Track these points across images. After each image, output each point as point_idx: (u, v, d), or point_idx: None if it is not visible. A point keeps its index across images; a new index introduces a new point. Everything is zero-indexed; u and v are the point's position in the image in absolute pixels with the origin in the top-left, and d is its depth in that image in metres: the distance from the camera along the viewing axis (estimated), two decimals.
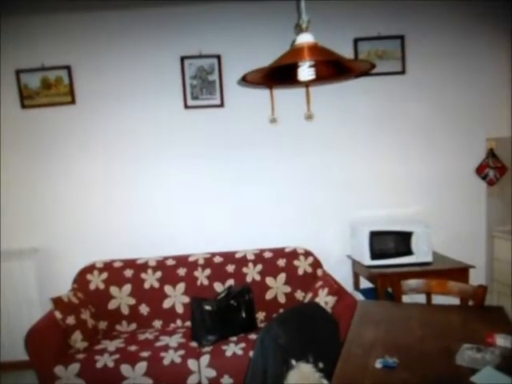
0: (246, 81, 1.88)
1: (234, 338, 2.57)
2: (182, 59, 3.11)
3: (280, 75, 1.94)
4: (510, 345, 1.57)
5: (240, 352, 2.43)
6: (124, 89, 3.16)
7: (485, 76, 3.21)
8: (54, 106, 3.13)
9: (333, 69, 1.92)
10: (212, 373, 2.39)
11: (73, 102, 3.14)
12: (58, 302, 2.61)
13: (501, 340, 1.59)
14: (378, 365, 1.50)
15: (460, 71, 3.21)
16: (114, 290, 2.92)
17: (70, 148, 3.20)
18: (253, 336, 2.57)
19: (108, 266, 2.99)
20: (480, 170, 3.18)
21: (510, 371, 1.40)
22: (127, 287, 2.93)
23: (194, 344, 2.55)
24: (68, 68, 3.09)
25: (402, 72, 3.17)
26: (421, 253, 2.90)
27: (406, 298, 2.30)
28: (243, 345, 2.48)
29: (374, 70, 1.86)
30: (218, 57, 3.12)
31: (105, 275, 2.95)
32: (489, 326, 1.74)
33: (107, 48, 3.13)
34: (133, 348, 2.51)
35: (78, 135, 3.19)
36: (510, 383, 1.34)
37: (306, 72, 1.86)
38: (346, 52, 3.08)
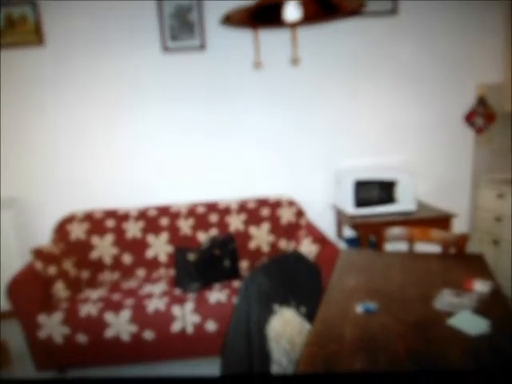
0: (228, 21, 1.75)
1: (218, 285, 2.60)
2: None
3: (265, 15, 1.82)
4: (487, 290, 1.60)
5: (224, 298, 2.46)
6: (97, 29, 2.94)
7: (479, 21, 3.07)
8: (20, 47, 2.92)
9: (320, 8, 1.80)
10: (197, 318, 2.42)
11: (41, 42, 2.92)
12: (38, 252, 2.57)
13: (479, 285, 1.62)
14: (359, 309, 1.52)
15: (454, 14, 3.06)
16: (95, 239, 2.89)
17: (42, 94, 3.01)
18: (236, 283, 2.59)
19: (88, 217, 2.94)
20: (469, 118, 3.13)
21: (485, 315, 1.43)
22: (109, 237, 2.89)
23: (177, 291, 2.57)
24: (32, 3, 2.84)
25: (393, 12, 3.01)
26: (405, 201, 2.90)
27: (388, 247, 2.33)
28: (227, 291, 2.51)
29: (363, 8, 1.75)
30: None
31: (86, 225, 2.90)
32: (468, 272, 1.77)
33: None
34: (116, 296, 2.52)
35: (50, 80, 2.99)
36: (484, 324, 1.37)
37: (292, 11, 1.75)
38: None
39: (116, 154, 3.13)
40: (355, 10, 1.82)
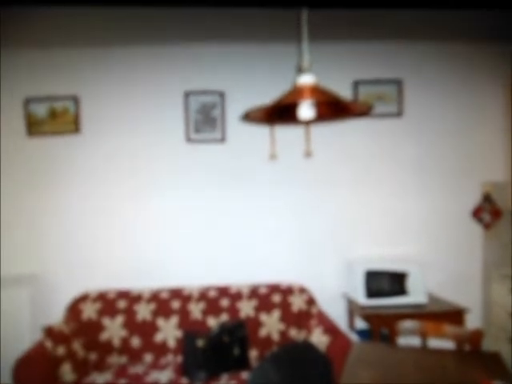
0: (248, 118, 1.94)
1: (226, 376, 2.52)
2: (188, 94, 3.20)
3: (281, 113, 2.00)
4: None
5: None
6: (128, 120, 3.23)
7: (482, 121, 3.31)
8: (59, 135, 3.19)
9: (332, 109, 1.99)
10: None
11: (77, 130, 3.20)
12: (48, 331, 2.57)
13: None
14: None
15: (457, 115, 3.31)
16: (106, 320, 2.88)
17: (70, 176, 3.22)
18: (245, 374, 2.52)
19: (101, 296, 2.96)
20: (476, 213, 3.23)
21: None
22: (119, 318, 2.89)
23: (184, 380, 2.49)
24: (75, 98, 3.18)
25: (399, 114, 3.27)
26: (416, 293, 2.90)
27: (401, 340, 2.29)
28: (234, 383, 2.43)
29: (371, 111, 1.93)
30: (222, 93, 3.22)
31: (98, 305, 2.92)
32: (485, 372, 1.72)
33: (114, 81, 3.22)
34: (122, 382, 2.46)
35: (80, 163, 3.22)
36: None
37: (306, 111, 1.94)
38: (346, 94, 3.19)
39: (134, 234, 3.24)
40: (364, 112, 2.01)
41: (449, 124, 3.31)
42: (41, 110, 3.18)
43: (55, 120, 3.18)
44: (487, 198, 3.18)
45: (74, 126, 3.19)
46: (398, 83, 3.26)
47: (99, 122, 3.23)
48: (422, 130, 3.30)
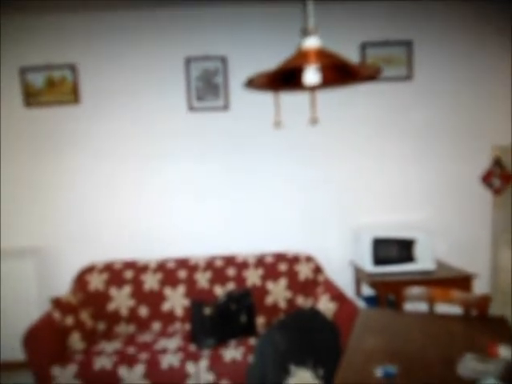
0: (251, 84, 1.87)
1: (234, 342, 2.55)
2: (188, 60, 3.11)
3: (285, 79, 1.93)
4: None
5: (239, 356, 2.41)
6: (128, 89, 3.15)
7: (493, 83, 3.19)
8: (57, 105, 3.13)
9: (339, 74, 1.91)
10: (211, 377, 2.37)
11: (76, 101, 3.14)
12: (56, 302, 2.60)
13: (503, 351, 1.56)
14: (379, 373, 1.48)
15: (467, 78, 3.19)
16: (113, 291, 2.91)
17: (72, 147, 3.18)
18: (252, 340, 2.54)
19: (108, 267, 2.98)
20: (485, 178, 3.15)
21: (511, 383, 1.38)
22: (127, 288, 2.91)
23: (192, 347, 2.53)
24: (73, 67, 3.10)
25: (409, 77, 3.16)
26: (424, 260, 2.88)
27: (408, 306, 2.28)
28: (242, 349, 2.46)
29: (380, 75, 1.85)
30: (224, 59, 3.11)
31: (105, 276, 2.94)
32: (492, 336, 1.71)
33: (112, 48, 3.12)
34: (131, 350, 2.49)
35: (82, 134, 3.17)
36: None
37: (311, 76, 1.86)
38: (353, 57, 3.07)
39: (138, 205, 3.23)
40: (372, 76, 1.92)
41: (459, 86, 3.20)
42: (38, 80, 3.10)
43: (53, 89, 3.11)
44: (497, 163, 3.10)
45: (73, 96, 3.13)
46: (407, 45, 3.13)
47: (98, 92, 3.15)
48: (432, 93, 3.19)
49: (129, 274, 2.95)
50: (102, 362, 2.39)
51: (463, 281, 2.73)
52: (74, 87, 3.12)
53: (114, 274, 2.95)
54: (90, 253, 3.16)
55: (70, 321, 2.56)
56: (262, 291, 2.91)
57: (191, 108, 3.16)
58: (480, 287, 3.10)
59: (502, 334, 1.74)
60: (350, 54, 3.03)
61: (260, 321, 2.87)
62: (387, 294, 2.75)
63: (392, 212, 3.24)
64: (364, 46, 3.12)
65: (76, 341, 2.54)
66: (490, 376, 1.42)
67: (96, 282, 2.92)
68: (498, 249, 3.15)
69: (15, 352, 2.94)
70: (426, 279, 2.74)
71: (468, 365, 1.49)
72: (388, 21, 3.14)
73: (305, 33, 1.78)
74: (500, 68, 3.18)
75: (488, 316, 2.03)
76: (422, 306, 2.29)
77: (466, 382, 1.40)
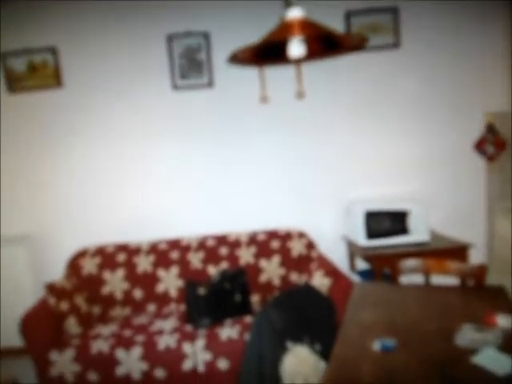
0: (235, 59, 1.79)
1: (229, 321, 2.55)
2: (170, 38, 2.99)
3: (270, 52, 1.86)
4: (511, 325, 1.54)
5: (235, 335, 2.41)
6: (111, 70, 3.06)
7: (483, 50, 3.11)
8: (40, 90, 3.04)
9: (324, 45, 1.85)
10: (208, 356, 2.37)
11: (59, 84, 3.05)
12: (51, 287, 2.58)
13: (501, 320, 1.55)
14: (376, 346, 1.47)
15: (456, 45, 3.11)
16: (106, 274, 2.88)
17: (57, 132, 3.12)
18: (248, 319, 2.54)
19: (100, 251, 2.95)
20: (479, 146, 3.11)
21: (511, 352, 1.37)
22: (120, 272, 2.89)
23: (188, 327, 2.52)
24: (53, 49, 2.99)
25: (396, 45, 3.07)
26: (418, 232, 2.86)
27: (403, 279, 2.27)
28: (238, 327, 2.46)
29: (366, 44, 1.78)
30: (206, 34, 3.00)
31: (97, 260, 2.91)
32: (489, 306, 1.70)
33: (92, 28, 3.02)
34: (127, 333, 2.49)
35: (65, 119, 3.10)
36: (511, 362, 1.31)
37: (296, 48, 1.79)
38: (338, 27, 2.98)
39: (127, 188, 3.18)
40: (358, 46, 1.86)
41: (448, 54, 3.12)
42: (19, 65, 3.02)
43: (35, 74, 3.02)
44: (491, 129, 3.06)
45: (56, 80, 3.05)
46: (393, 11, 3.03)
47: (81, 74, 3.08)
48: (421, 61, 3.11)
49: (121, 257, 2.92)
50: (98, 346, 2.38)
51: (459, 251, 2.72)
52: (55, 70, 3.03)
53: (107, 257, 2.92)
54: (82, 237, 3.14)
55: (65, 306, 2.54)
56: (256, 269, 2.90)
57: (175, 87, 3.06)
58: (476, 257, 3.10)
59: (500, 303, 1.73)
60: (335, 24, 2.95)
61: (255, 299, 2.86)
62: (382, 267, 2.74)
63: (384, 184, 3.21)
64: (349, 15, 3.03)
65: (72, 325, 2.52)
66: (489, 345, 1.41)
67: (89, 267, 2.89)
68: (493, 217, 3.14)
69: (13, 338, 2.93)
70: (420, 251, 2.73)
71: (466, 335, 1.48)
72: None
73: (287, 3, 1.70)
74: (490, 34, 3.09)
75: (485, 286, 2.03)
76: (418, 279, 2.28)
77: (464, 352, 1.40)
